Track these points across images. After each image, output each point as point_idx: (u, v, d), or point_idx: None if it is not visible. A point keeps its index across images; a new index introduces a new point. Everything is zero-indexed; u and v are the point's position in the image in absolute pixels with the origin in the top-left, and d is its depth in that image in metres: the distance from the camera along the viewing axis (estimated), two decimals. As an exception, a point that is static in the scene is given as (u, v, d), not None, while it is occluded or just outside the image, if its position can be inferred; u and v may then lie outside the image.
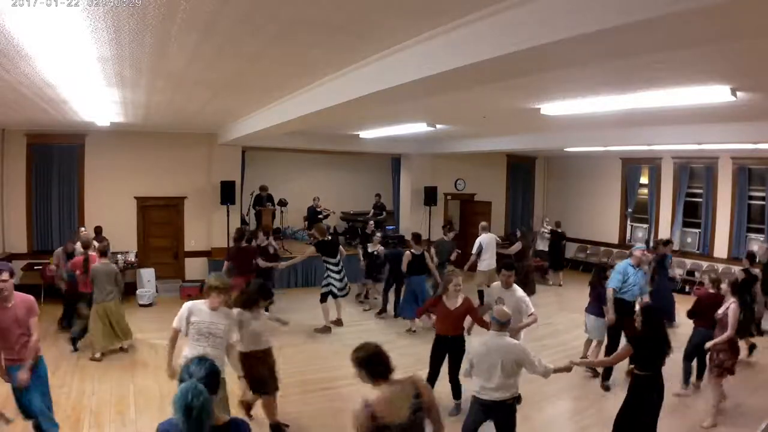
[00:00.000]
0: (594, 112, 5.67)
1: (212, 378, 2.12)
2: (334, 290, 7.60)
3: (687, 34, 2.12)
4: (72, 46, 3.49)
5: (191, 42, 3.44)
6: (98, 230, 8.15)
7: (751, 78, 4.10)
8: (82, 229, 7.97)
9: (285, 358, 6.39)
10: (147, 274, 9.14)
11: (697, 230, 10.96)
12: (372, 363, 2.57)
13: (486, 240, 8.86)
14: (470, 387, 3.95)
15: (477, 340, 3.92)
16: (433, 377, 4.94)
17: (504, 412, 3.70)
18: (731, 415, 4.97)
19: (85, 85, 4.92)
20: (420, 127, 8.33)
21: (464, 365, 4.02)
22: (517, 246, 8.85)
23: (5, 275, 3.66)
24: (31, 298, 3.89)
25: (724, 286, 5.24)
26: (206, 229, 10.07)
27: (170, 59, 3.93)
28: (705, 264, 10.56)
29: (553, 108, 5.78)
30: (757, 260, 7.60)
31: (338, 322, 7.83)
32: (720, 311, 4.97)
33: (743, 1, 1.73)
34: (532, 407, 5.10)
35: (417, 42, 3.19)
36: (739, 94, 4.50)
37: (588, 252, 13.03)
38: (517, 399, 3.94)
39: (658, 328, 3.89)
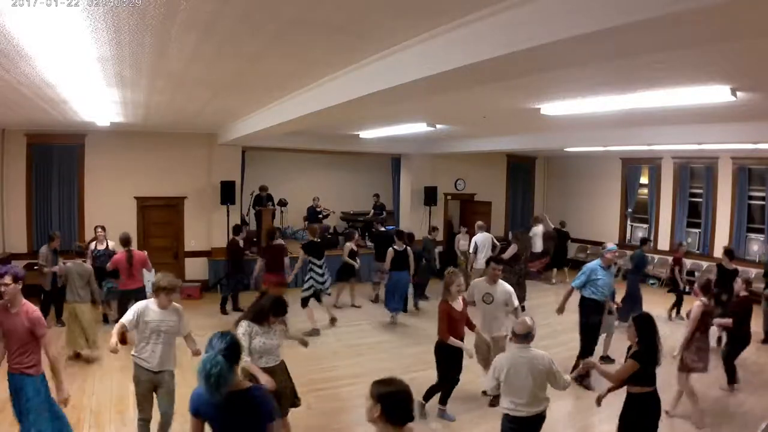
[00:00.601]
0: (594, 112, 5.67)
1: (232, 350, 2.31)
2: (317, 285, 7.57)
3: (687, 34, 2.12)
4: (72, 46, 3.48)
5: (191, 42, 3.44)
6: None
7: (751, 78, 4.10)
8: (99, 230, 7.90)
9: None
10: (147, 275, 9.12)
11: (697, 230, 10.97)
12: (395, 403, 2.08)
13: (481, 239, 9.16)
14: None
15: (502, 356, 3.70)
16: (441, 387, 4.89)
17: (540, 425, 3.58)
18: (732, 415, 4.97)
19: (85, 85, 4.91)
20: (420, 127, 8.33)
21: (490, 383, 3.75)
22: (512, 249, 8.86)
23: (8, 279, 3.50)
24: (38, 314, 3.62)
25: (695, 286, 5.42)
26: (206, 229, 10.07)
27: (170, 59, 3.93)
28: (705, 264, 10.56)
29: (553, 108, 5.78)
30: (758, 260, 7.63)
31: (332, 321, 7.89)
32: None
33: (743, 1, 1.73)
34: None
35: (417, 42, 3.19)
36: (739, 94, 4.50)
37: (588, 252, 13.01)
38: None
39: (655, 338, 3.66)
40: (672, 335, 6.44)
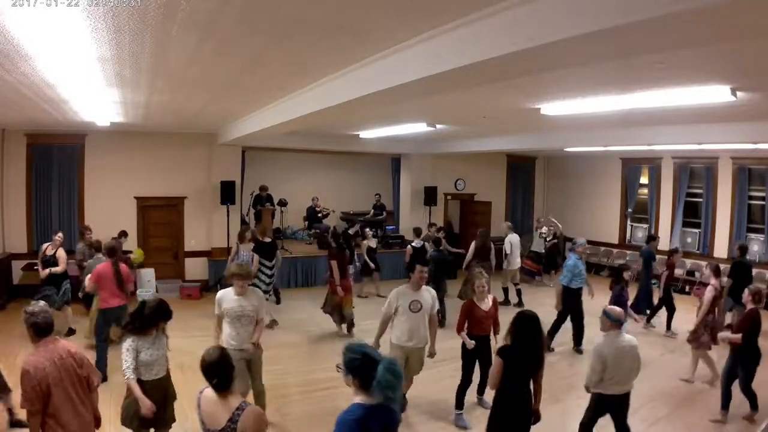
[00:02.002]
0: (594, 112, 5.67)
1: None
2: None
3: (687, 34, 2.12)
4: (72, 46, 3.49)
5: (191, 42, 3.44)
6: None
7: (751, 78, 4.10)
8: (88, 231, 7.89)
9: (285, 359, 6.43)
10: (147, 274, 9.14)
11: (697, 230, 10.97)
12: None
13: (515, 240, 9.40)
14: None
15: (604, 347, 3.83)
16: (467, 383, 4.89)
17: (627, 402, 3.94)
18: (732, 415, 4.96)
19: (85, 85, 4.92)
20: (420, 127, 8.33)
21: (593, 376, 3.87)
22: (472, 247, 8.84)
23: None
24: None
25: (708, 273, 5.78)
26: (206, 229, 10.08)
27: (170, 59, 3.93)
28: (705, 264, 10.56)
29: (553, 108, 5.78)
30: (758, 260, 7.62)
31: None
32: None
33: (743, 1, 1.73)
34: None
35: (417, 42, 3.19)
36: (739, 94, 4.50)
37: (588, 252, 13.00)
38: None
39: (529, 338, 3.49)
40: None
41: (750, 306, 4.88)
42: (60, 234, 7.20)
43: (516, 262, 9.36)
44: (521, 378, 3.52)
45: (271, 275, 7.80)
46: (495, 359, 3.55)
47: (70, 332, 7.09)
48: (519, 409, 3.52)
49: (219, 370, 2.47)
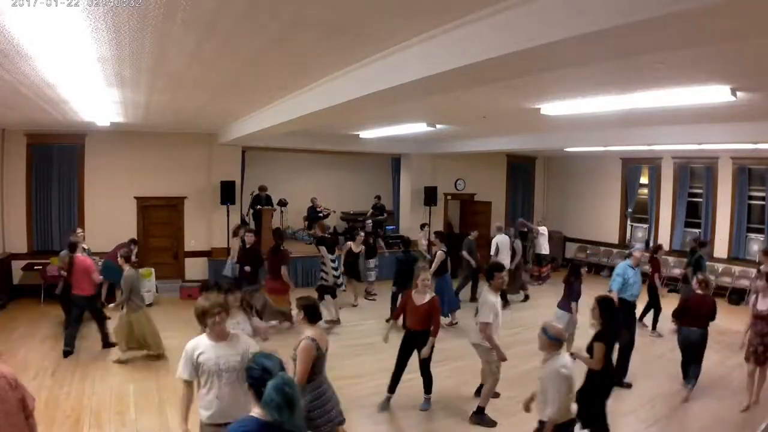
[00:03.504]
0: (594, 112, 5.67)
1: (283, 368, 2.22)
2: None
3: (687, 34, 2.12)
4: (72, 46, 3.48)
5: (191, 42, 3.44)
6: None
7: (751, 78, 4.10)
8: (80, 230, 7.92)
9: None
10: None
11: (697, 230, 10.96)
12: (311, 309, 3.48)
13: (501, 240, 9.17)
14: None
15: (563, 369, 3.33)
16: (399, 373, 4.99)
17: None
18: (731, 415, 4.97)
19: (85, 85, 4.91)
20: (420, 127, 8.33)
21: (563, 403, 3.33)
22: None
23: None
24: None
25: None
26: (206, 229, 10.07)
27: (170, 59, 3.93)
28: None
29: (553, 108, 5.78)
30: (758, 260, 7.57)
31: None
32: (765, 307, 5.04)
33: (743, 1, 1.73)
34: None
35: (417, 42, 3.19)
36: (739, 94, 4.49)
37: (588, 252, 13.02)
38: None
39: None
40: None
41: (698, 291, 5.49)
42: (80, 230, 7.59)
43: (505, 263, 8.80)
44: (610, 359, 3.95)
45: (337, 267, 7.77)
46: (597, 345, 3.91)
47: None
48: (609, 389, 4.00)
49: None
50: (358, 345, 7.01)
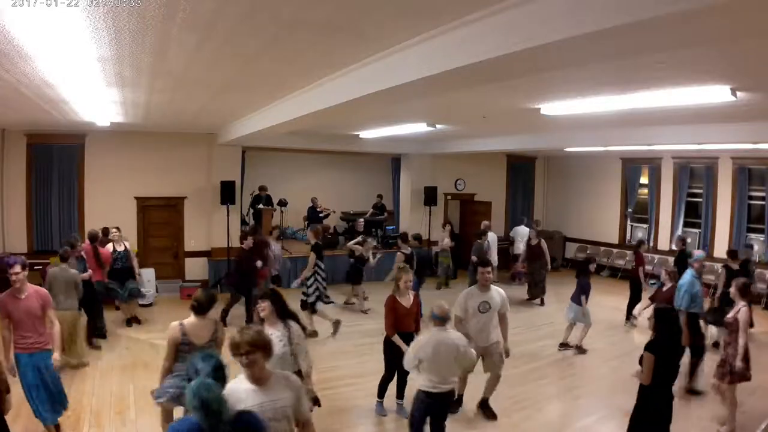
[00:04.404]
0: (594, 112, 5.67)
1: (220, 372, 2.13)
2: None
3: (687, 34, 2.12)
4: (72, 46, 3.48)
5: (191, 42, 3.44)
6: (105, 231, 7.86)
7: (751, 78, 4.10)
8: (114, 230, 7.83)
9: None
10: (147, 274, 9.12)
11: (697, 230, 10.97)
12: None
13: (490, 239, 9.40)
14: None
15: (424, 338, 3.94)
16: (390, 378, 4.94)
17: (450, 399, 4.03)
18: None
19: (85, 85, 4.91)
20: (420, 127, 8.33)
21: (410, 362, 3.96)
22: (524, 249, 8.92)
23: (17, 268, 3.91)
24: (45, 290, 4.17)
25: (732, 289, 4.80)
26: (206, 229, 10.07)
27: (170, 59, 3.93)
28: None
29: (553, 108, 5.78)
30: (758, 260, 7.59)
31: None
32: (729, 316, 4.69)
33: (743, 1, 1.73)
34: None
35: (417, 42, 3.19)
36: (739, 94, 4.50)
37: (588, 252, 13.01)
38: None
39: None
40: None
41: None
42: (115, 229, 7.74)
43: (493, 259, 9.11)
44: (668, 376, 3.66)
45: (326, 278, 7.53)
46: (646, 355, 3.65)
47: (136, 321, 7.61)
48: (662, 410, 3.67)
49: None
50: (358, 345, 7.02)
